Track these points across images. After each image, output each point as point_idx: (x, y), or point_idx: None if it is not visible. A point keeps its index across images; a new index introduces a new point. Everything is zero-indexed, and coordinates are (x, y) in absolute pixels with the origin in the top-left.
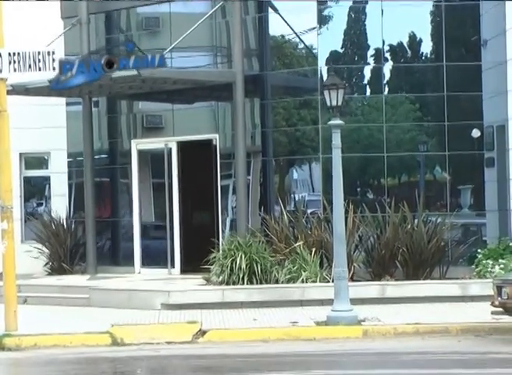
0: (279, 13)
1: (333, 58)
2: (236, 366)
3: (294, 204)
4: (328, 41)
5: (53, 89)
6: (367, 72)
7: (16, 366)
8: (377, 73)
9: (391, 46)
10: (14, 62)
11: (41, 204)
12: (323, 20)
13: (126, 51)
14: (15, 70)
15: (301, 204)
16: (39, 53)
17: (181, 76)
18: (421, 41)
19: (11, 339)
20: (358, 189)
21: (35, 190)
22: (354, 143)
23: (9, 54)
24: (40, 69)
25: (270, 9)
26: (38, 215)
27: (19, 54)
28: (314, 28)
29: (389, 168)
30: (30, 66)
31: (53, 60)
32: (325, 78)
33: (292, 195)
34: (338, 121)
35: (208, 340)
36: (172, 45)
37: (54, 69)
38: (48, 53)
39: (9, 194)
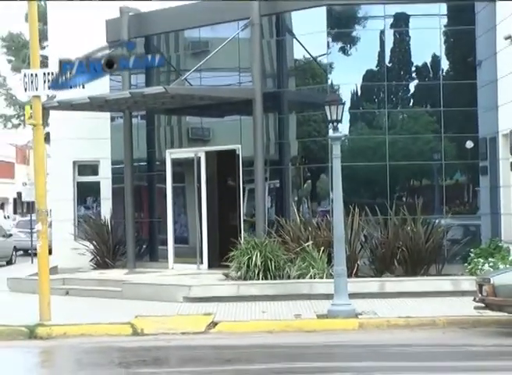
0: (295, 37)
1: (341, 77)
2: (231, 357)
3: (307, 207)
4: (337, 62)
5: (53, 89)
6: (370, 89)
7: (38, 355)
8: (378, 90)
9: (393, 66)
10: (48, 80)
11: (92, 206)
12: (333, 43)
13: (127, 51)
14: (49, 88)
15: (312, 207)
16: (71, 73)
17: (205, 93)
18: (425, 62)
19: (43, 328)
20: (364, 194)
21: (87, 194)
22: (357, 153)
23: (44, 74)
24: (71, 87)
25: (287, 34)
26: (87, 216)
27: (52, 73)
28: (325, 53)
29: (391, 175)
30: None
31: None
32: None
33: (306, 199)
34: (337, 134)
35: (219, 331)
36: (195, 68)
37: (83, 87)
38: None
39: (44, 198)
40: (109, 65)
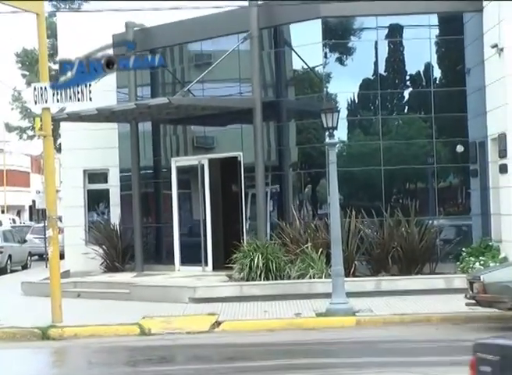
0: (292, 48)
1: (338, 86)
2: (234, 355)
3: (306, 211)
4: (334, 72)
5: (53, 88)
6: (365, 97)
7: (51, 355)
8: (374, 97)
9: (387, 75)
10: (57, 93)
11: (102, 213)
12: (330, 54)
13: (127, 51)
14: (58, 101)
15: (312, 211)
16: (78, 85)
17: (207, 103)
18: (417, 70)
19: (55, 330)
20: (361, 197)
21: (97, 201)
22: (354, 158)
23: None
24: (79, 100)
25: (285, 45)
26: (97, 222)
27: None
28: (321, 63)
29: (386, 178)
30: (70, 97)
31: (89, 91)
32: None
33: (305, 203)
34: (333, 140)
35: (222, 330)
36: (197, 79)
37: (90, 99)
38: (86, 85)
39: (54, 205)
40: (109, 65)
